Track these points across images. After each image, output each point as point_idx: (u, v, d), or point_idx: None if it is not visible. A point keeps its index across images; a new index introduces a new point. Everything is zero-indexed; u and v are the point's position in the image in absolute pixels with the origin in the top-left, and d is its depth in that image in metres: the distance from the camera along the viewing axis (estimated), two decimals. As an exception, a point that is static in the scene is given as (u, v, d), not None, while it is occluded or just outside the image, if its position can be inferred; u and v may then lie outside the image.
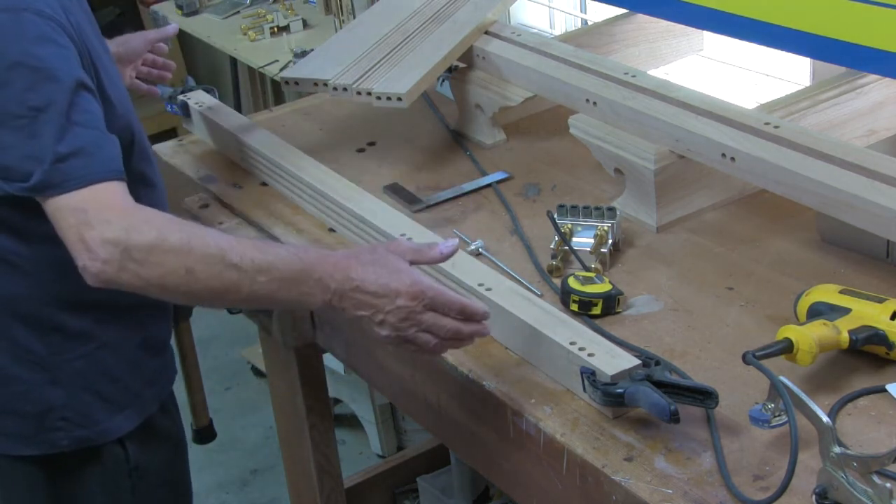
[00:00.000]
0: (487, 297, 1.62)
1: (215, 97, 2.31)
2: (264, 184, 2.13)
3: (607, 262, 1.78)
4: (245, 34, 3.65)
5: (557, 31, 2.98)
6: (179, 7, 3.92)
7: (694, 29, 2.36)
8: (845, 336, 1.46)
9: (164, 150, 2.30)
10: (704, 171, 1.85)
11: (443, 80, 2.33)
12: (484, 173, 2.10)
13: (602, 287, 1.66)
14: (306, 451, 2.32)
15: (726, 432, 1.41)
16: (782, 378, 1.34)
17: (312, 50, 2.28)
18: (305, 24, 3.68)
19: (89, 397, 1.67)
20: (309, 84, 2.12)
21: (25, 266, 1.61)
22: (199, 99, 2.29)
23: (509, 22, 3.01)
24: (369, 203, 1.90)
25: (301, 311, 1.99)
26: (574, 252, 1.77)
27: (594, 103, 1.96)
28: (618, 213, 1.82)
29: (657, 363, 1.46)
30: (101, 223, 1.40)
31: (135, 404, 1.73)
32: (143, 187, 1.67)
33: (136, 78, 2.11)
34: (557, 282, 1.72)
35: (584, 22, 2.86)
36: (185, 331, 2.31)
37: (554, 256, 1.79)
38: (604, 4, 2.41)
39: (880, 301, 1.50)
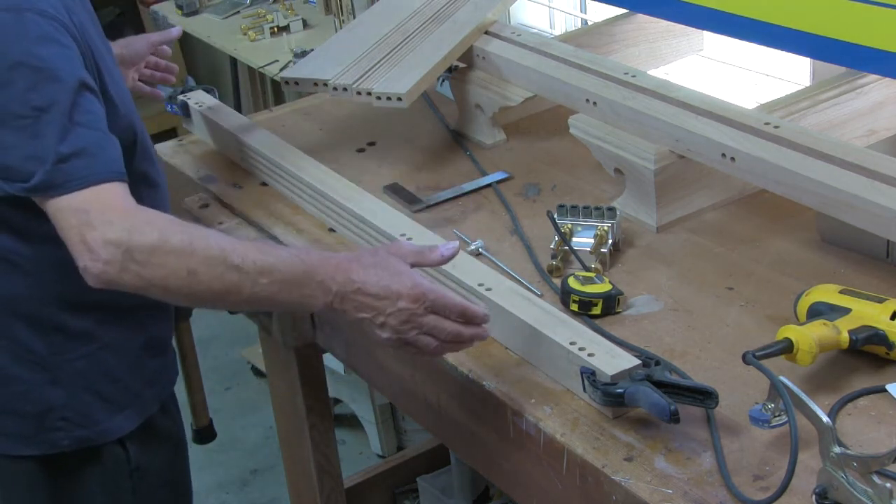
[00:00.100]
0: (487, 297, 1.62)
1: (215, 97, 2.31)
2: (264, 184, 2.13)
3: (607, 262, 1.78)
4: (245, 34, 3.65)
5: (557, 31, 2.99)
6: (179, 7, 3.92)
7: (694, 29, 2.36)
8: (845, 336, 1.47)
9: (165, 150, 2.30)
10: (704, 171, 1.85)
11: (443, 80, 2.33)
12: (484, 173, 2.10)
13: (602, 287, 1.67)
14: (306, 451, 2.32)
15: (726, 432, 1.41)
16: (782, 378, 1.34)
17: (312, 50, 2.29)
18: (305, 24, 3.68)
19: (90, 397, 1.68)
20: (309, 84, 2.12)
21: (27, 266, 1.61)
22: (199, 99, 2.29)
23: (509, 22, 3.01)
24: (369, 203, 1.90)
25: (302, 313, 1.99)
26: (574, 252, 1.77)
27: (594, 103, 1.96)
28: (618, 213, 1.82)
29: (657, 363, 1.46)
30: (102, 224, 1.40)
31: (135, 404, 1.73)
32: (146, 187, 1.67)
33: (139, 80, 2.11)
34: (557, 282, 1.72)
35: (584, 22, 2.86)
36: (185, 331, 2.31)
37: (554, 256, 1.79)
38: (604, 4, 2.41)
39: (880, 301, 1.50)
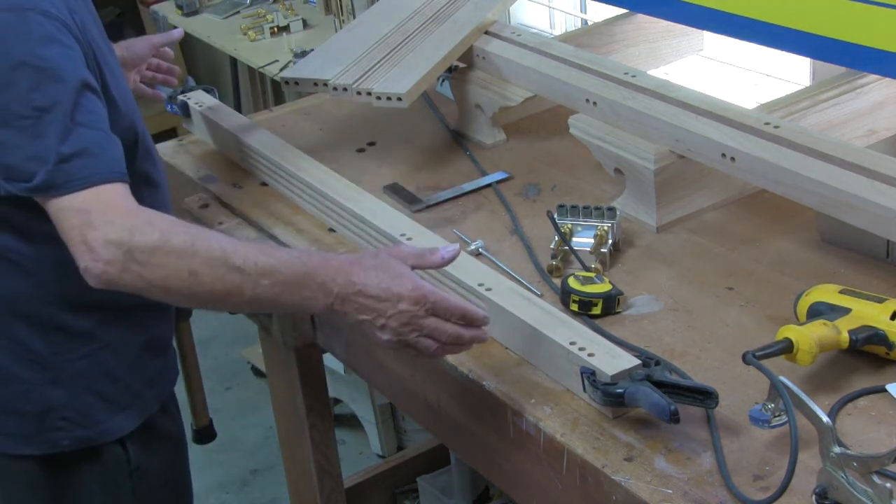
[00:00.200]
0: (487, 297, 1.62)
1: (215, 97, 2.31)
2: (264, 184, 2.13)
3: (607, 262, 1.78)
4: (245, 34, 3.65)
5: (557, 31, 2.99)
6: (179, 7, 3.92)
7: (694, 29, 2.36)
8: (845, 336, 1.47)
9: (165, 150, 2.30)
10: (704, 171, 1.85)
11: (443, 80, 2.33)
12: (484, 173, 2.10)
13: (602, 287, 1.67)
14: (306, 451, 2.32)
15: (726, 432, 1.41)
16: (782, 378, 1.34)
17: (312, 50, 2.28)
18: (305, 24, 3.68)
19: (90, 397, 1.68)
20: (309, 84, 2.12)
21: (28, 266, 1.61)
22: (199, 99, 2.29)
23: (509, 22, 3.01)
24: (369, 203, 1.90)
25: (303, 315, 1.99)
26: (574, 252, 1.77)
27: (594, 103, 1.96)
28: (618, 213, 1.82)
29: (657, 363, 1.46)
30: (104, 224, 1.40)
31: (135, 405, 1.73)
32: (147, 188, 1.67)
33: (141, 82, 2.11)
34: (557, 282, 1.72)
35: (584, 22, 2.86)
36: (185, 331, 2.32)
37: (554, 256, 1.79)
38: (604, 4, 2.42)
39: (880, 301, 1.50)
